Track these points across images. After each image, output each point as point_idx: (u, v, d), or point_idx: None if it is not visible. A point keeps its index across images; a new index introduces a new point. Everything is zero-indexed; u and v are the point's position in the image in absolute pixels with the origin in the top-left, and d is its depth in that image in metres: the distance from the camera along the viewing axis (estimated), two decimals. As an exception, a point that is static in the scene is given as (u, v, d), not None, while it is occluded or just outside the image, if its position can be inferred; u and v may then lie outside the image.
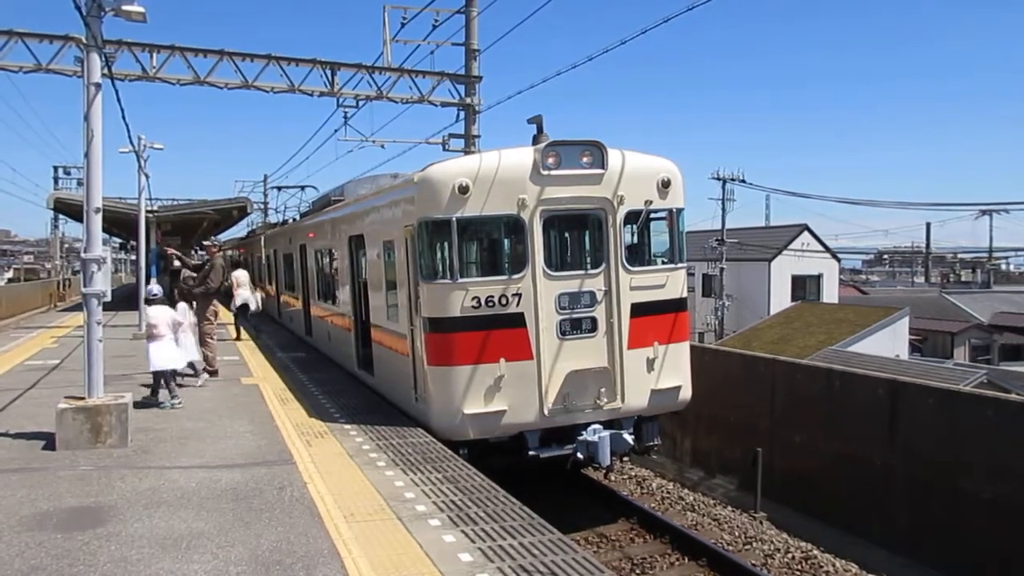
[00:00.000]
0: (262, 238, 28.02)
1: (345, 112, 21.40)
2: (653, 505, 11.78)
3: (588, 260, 9.98)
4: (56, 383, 12.10)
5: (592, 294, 9.51)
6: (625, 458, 11.79)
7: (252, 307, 18.91)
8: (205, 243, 18.50)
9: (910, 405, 9.90)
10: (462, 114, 20.78)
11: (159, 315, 10.73)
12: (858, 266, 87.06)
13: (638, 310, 9.66)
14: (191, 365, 11.98)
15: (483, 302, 9.06)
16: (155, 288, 11.77)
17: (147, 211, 24.90)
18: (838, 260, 46.61)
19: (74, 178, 52.08)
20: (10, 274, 67.73)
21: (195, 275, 14.56)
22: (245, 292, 18.63)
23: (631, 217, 9.68)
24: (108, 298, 8.65)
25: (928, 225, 67.29)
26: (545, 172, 9.21)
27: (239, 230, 45.84)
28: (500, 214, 9.28)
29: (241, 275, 18.88)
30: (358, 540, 5.76)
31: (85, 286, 8.43)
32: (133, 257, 41.08)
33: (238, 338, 18.48)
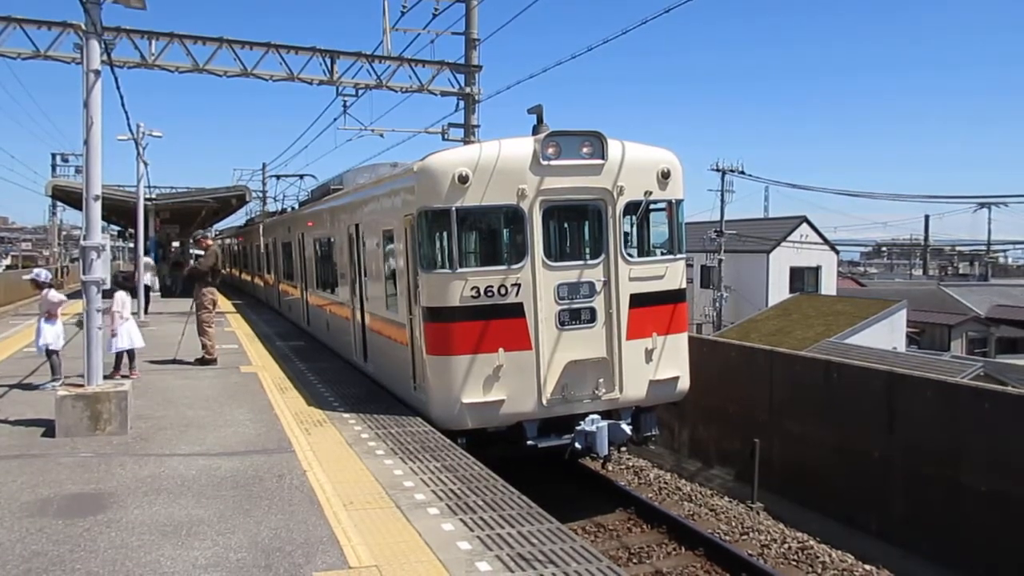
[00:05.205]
0: (260, 227, 27.99)
1: (344, 101, 21.31)
2: (651, 495, 11.83)
3: (587, 251, 9.98)
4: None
5: (591, 284, 9.52)
6: (623, 448, 11.84)
7: (154, 289, 24.49)
8: (198, 235, 19.73)
9: (908, 397, 9.92)
10: (462, 103, 20.71)
11: (58, 298, 11.04)
12: (856, 258, 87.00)
13: (637, 301, 9.67)
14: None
15: (482, 292, 9.07)
16: (44, 273, 12.11)
17: (146, 199, 24.92)
18: (836, 252, 46.59)
19: (72, 165, 51.84)
20: (8, 261, 67.66)
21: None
22: (148, 275, 22.90)
23: (631, 208, 9.68)
24: (107, 285, 8.67)
25: (927, 218, 66.89)
26: (545, 162, 9.20)
27: (237, 219, 45.74)
28: (500, 204, 9.27)
29: (147, 261, 23.08)
30: (357, 528, 5.79)
31: (84, 274, 8.44)
32: (131, 244, 41.02)
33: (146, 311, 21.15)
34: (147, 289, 22.19)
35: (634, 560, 9.41)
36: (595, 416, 9.47)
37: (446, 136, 20.47)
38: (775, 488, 11.42)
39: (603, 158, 9.44)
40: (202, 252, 17.02)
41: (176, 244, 38.89)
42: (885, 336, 29.46)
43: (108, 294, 9.43)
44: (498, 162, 9.10)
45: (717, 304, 37.69)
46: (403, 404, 10.19)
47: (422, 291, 9.36)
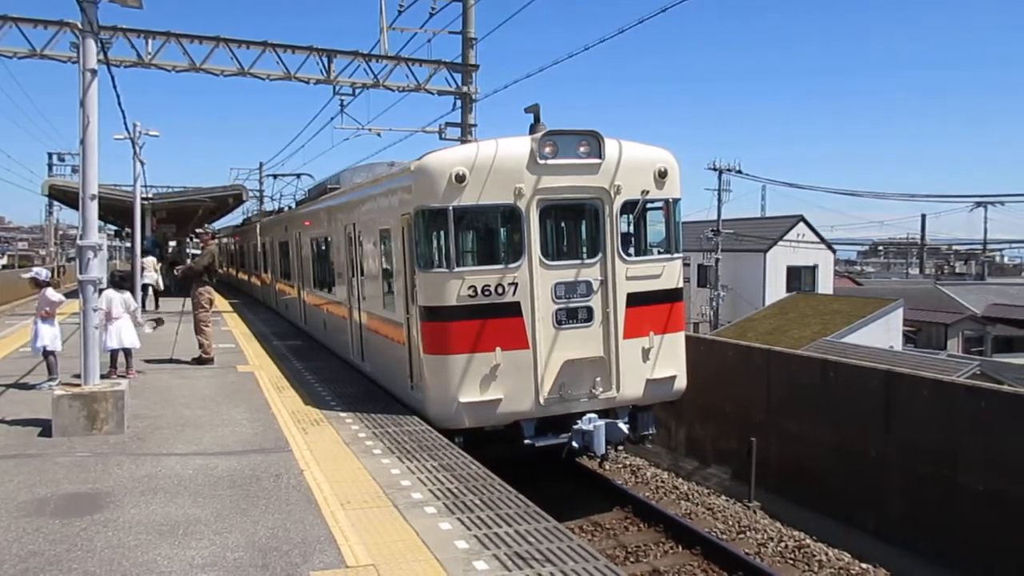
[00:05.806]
0: (257, 226, 27.95)
1: (341, 100, 21.31)
2: (647, 494, 11.84)
3: (584, 250, 9.98)
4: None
5: (588, 284, 9.52)
6: (620, 447, 11.84)
7: (152, 286, 23.26)
8: (199, 231, 19.60)
9: (905, 396, 9.93)
10: (459, 103, 20.72)
11: (57, 297, 11.00)
12: (853, 257, 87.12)
13: (634, 300, 9.68)
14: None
15: (479, 291, 9.07)
16: (43, 271, 12.09)
17: (143, 198, 24.88)
18: (833, 251, 46.70)
19: (68, 165, 51.80)
20: (4, 261, 67.49)
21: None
22: (150, 274, 22.81)
23: (628, 207, 9.69)
24: (103, 285, 8.65)
25: (923, 217, 67.01)
26: (542, 161, 9.20)
27: (234, 218, 45.74)
28: (497, 203, 9.27)
29: (149, 261, 23.12)
30: (354, 527, 5.79)
31: (81, 273, 8.43)
32: (128, 244, 40.97)
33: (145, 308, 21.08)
34: (146, 287, 22.17)
35: (631, 559, 9.42)
36: (592, 415, 9.47)
37: (443, 135, 20.47)
38: (772, 487, 11.44)
39: (600, 157, 9.44)
40: (199, 252, 16.97)
41: (173, 243, 38.83)
42: (882, 335, 29.53)
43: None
44: (495, 161, 9.10)
45: (714, 303, 37.75)
46: (400, 403, 10.18)
47: (419, 290, 9.35)
